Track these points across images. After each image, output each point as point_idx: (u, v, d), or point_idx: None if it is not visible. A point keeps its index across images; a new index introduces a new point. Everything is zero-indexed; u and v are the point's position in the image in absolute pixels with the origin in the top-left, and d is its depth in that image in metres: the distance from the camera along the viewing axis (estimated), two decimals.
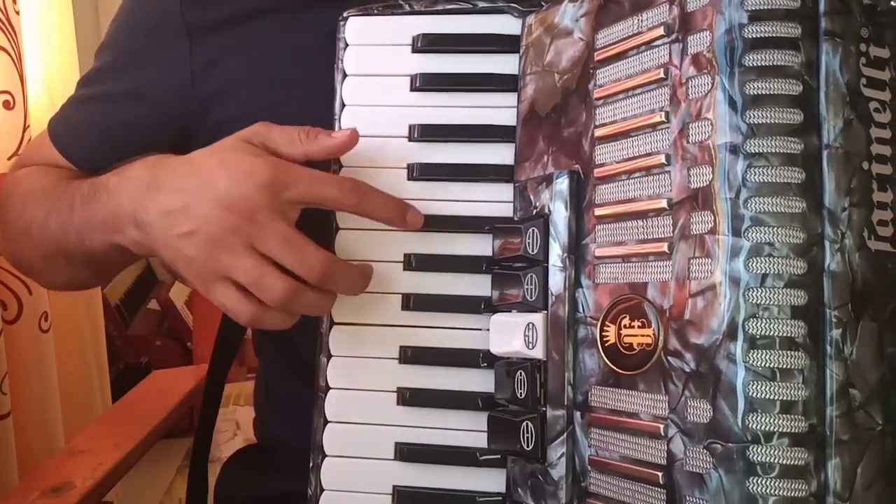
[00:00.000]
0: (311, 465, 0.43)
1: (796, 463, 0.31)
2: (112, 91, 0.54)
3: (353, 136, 0.41)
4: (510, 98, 0.43)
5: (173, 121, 0.53)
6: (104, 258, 0.49)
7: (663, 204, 0.34)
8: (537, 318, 0.39)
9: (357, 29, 0.44)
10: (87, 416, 1.03)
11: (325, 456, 0.43)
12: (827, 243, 0.32)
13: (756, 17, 0.33)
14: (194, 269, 0.41)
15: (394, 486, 0.42)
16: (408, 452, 0.42)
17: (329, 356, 0.43)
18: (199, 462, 0.59)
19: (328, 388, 0.43)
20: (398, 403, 0.42)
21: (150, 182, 0.43)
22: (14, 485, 0.84)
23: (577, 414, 0.37)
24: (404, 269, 0.43)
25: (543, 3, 0.42)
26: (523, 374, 0.39)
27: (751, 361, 0.31)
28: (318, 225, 0.42)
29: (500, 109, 0.43)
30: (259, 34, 0.50)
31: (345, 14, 0.45)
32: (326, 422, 0.43)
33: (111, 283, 1.50)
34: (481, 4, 0.44)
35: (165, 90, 0.52)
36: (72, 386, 1.03)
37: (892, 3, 0.34)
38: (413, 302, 0.43)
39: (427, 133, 0.43)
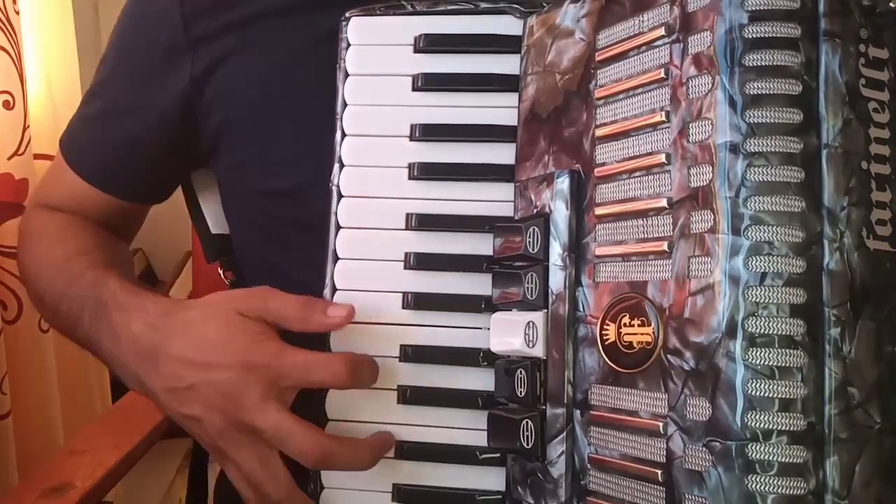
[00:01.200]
0: None
1: (795, 461, 0.31)
2: (115, 105, 0.55)
3: (350, 315, 0.42)
4: (511, 98, 0.43)
5: (177, 130, 0.53)
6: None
7: (663, 203, 0.35)
8: (538, 317, 0.39)
9: (359, 29, 0.45)
10: (87, 416, 1.03)
11: None
12: (826, 242, 0.32)
13: (756, 17, 0.33)
14: (204, 443, 0.43)
15: (394, 484, 0.42)
16: (408, 451, 0.42)
17: None
18: (199, 462, 0.59)
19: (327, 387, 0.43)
20: (398, 402, 0.42)
21: (150, 351, 0.43)
22: (14, 485, 0.84)
23: (577, 412, 0.37)
24: (404, 268, 0.43)
25: (545, 4, 0.42)
26: (523, 372, 0.39)
27: (750, 360, 0.31)
28: None
29: (501, 109, 0.43)
30: (258, 38, 0.50)
31: (347, 14, 0.45)
32: (327, 420, 0.43)
33: None
34: (483, 5, 0.44)
35: (168, 101, 0.52)
36: (72, 386, 1.03)
37: (892, 4, 0.34)
38: (413, 301, 0.43)
39: (428, 133, 0.43)
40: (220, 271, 0.57)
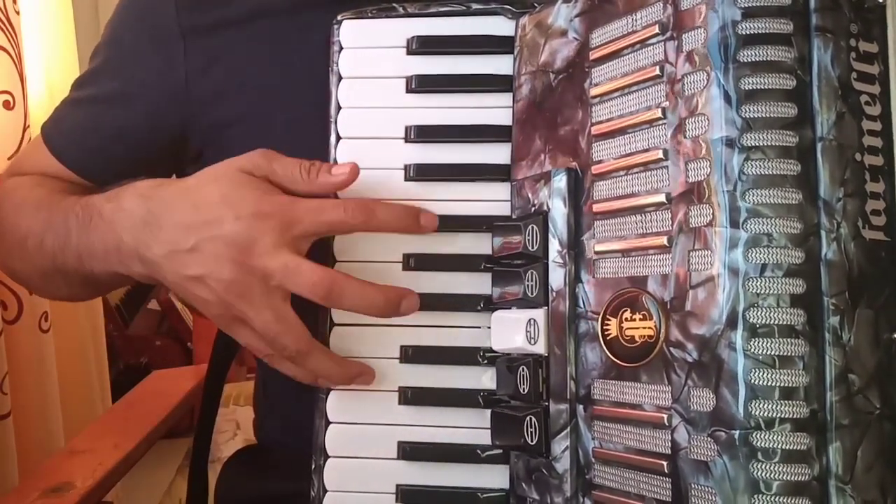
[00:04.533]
0: (313, 466, 0.40)
1: (798, 448, 0.29)
2: (105, 92, 0.50)
3: (355, 172, 0.38)
4: (505, 98, 0.40)
5: (166, 123, 0.49)
6: (105, 281, 0.45)
7: (662, 198, 0.32)
8: (538, 314, 0.36)
9: (352, 32, 0.41)
10: (87, 416, 0.98)
11: (327, 457, 0.40)
12: (823, 233, 0.30)
13: (749, 13, 0.31)
14: (210, 310, 0.38)
15: (397, 485, 0.39)
16: (410, 451, 0.39)
17: None
18: (198, 462, 0.55)
19: (329, 389, 0.40)
20: (400, 402, 0.39)
21: (146, 217, 0.39)
22: (14, 485, 0.79)
23: (580, 407, 0.35)
24: (403, 269, 0.40)
25: (536, 5, 0.40)
26: (525, 369, 0.36)
27: (752, 350, 0.29)
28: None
29: (495, 110, 0.40)
30: (254, 37, 0.47)
31: (339, 17, 0.42)
32: (328, 423, 0.40)
33: None
34: (475, 6, 0.41)
35: (159, 92, 0.48)
36: (72, 386, 0.98)
37: None
38: None
39: (423, 134, 0.40)
40: None
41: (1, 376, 0.79)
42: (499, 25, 0.41)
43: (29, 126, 0.86)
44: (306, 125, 0.42)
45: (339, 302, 0.37)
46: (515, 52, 0.40)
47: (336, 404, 0.40)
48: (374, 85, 0.41)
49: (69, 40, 0.98)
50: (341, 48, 0.41)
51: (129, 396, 0.78)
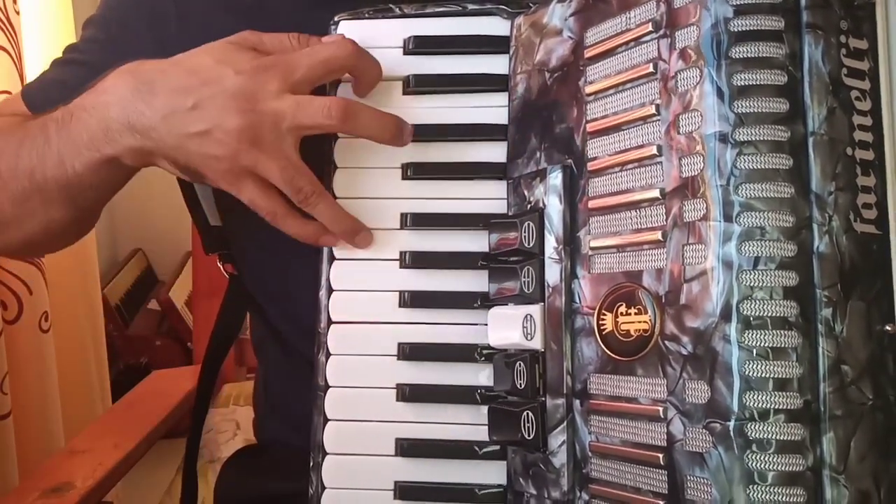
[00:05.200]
0: (311, 463, 0.39)
1: (793, 438, 0.29)
2: (92, 60, 0.48)
3: (346, 42, 0.39)
4: (501, 97, 0.40)
5: None
6: (88, 182, 0.42)
7: (656, 193, 0.32)
8: (535, 310, 0.36)
9: (349, 32, 0.41)
10: (87, 416, 0.97)
11: (325, 454, 0.39)
12: (815, 226, 0.30)
13: (741, 11, 0.31)
14: (218, 167, 0.37)
15: (395, 482, 0.39)
16: (408, 448, 0.39)
17: (328, 355, 0.40)
18: (190, 458, 0.54)
19: (328, 386, 0.40)
20: (398, 400, 0.39)
21: (136, 86, 0.38)
22: (14, 485, 0.78)
23: (577, 402, 0.35)
24: (400, 267, 0.40)
25: (532, 5, 0.40)
26: (522, 365, 0.36)
27: (746, 342, 0.29)
28: None
29: (491, 109, 0.40)
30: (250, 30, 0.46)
31: (336, 18, 0.42)
32: (326, 420, 0.40)
33: (111, 283, 1.43)
34: (470, 7, 0.41)
35: None
36: (72, 386, 0.97)
37: None
38: (410, 298, 0.40)
39: (420, 133, 0.40)
40: (220, 264, 0.52)
41: (1, 376, 0.78)
42: (494, 25, 0.41)
43: None
44: None
45: (355, 124, 0.37)
46: (511, 52, 0.40)
47: (334, 401, 0.40)
48: None
49: (69, 40, 0.97)
50: None
51: (129, 396, 0.77)
